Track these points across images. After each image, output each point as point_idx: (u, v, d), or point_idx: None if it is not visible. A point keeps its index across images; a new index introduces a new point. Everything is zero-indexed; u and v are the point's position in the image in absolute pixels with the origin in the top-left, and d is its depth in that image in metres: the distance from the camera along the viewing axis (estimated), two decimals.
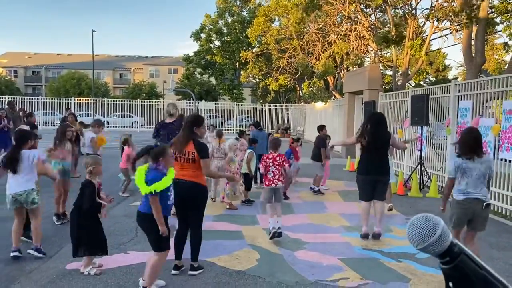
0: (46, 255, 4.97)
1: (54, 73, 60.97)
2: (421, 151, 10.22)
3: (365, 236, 5.96)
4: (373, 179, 5.91)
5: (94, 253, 4.59)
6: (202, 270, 4.65)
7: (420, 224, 1.00)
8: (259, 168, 7.58)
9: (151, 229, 3.93)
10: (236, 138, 9.18)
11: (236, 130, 31.28)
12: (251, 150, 8.52)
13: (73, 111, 19.29)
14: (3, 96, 32.64)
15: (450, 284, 1.01)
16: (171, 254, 4.28)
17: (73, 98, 34.06)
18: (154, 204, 3.84)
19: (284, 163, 6.13)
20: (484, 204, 4.39)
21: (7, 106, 14.83)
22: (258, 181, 9.77)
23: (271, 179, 6.02)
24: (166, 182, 3.88)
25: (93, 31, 36.53)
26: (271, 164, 6.06)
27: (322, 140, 9.66)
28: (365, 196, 6.03)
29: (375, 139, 5.88)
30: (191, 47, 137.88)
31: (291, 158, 9.36)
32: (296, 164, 10.01)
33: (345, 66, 23.41)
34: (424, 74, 40.09)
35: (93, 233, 4.54)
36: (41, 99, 33.27)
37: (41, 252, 4.94)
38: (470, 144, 4.43)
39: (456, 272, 1.00)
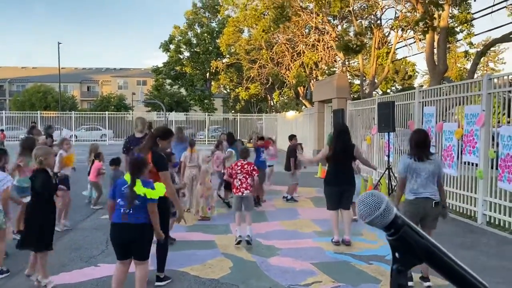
0: (11, 272, 4.81)
1: (18, 87, 59.29)
2: (388, 156, 10.47)
3: (336, 244, 6.06)
4: (339, 189, 6.06)
5: (41, 249, 4.36)
6: (169, 281, 4.59)
7: (367, 200, 1.09)
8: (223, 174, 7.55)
9: (145, 238, 3.87)
10: (212, 152, 9.18)
11: (208, 141, 31.22)
12: (231, 149, 8.48)
13: (37, 125, 18.68)
14: None
15: (396, 254, 1.10)
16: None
17: (39, 111, 33.19)
18: (154, 211, 3.82)
19: (253, 171, 6.13)
20: (434, 202, 4.51)
21: None
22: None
23: (238, 187, 6.04)
24: (162, 189, 3.90)
25: (59, 43, 35.92)
26: (239, 172, 6.07)
27: (292, 151, 9.76)
28: (332, 206, 6.17)
29: (339, 151, 6.03)
30: (160, 59, 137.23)
31: (262, 152, 9.41)
32: (269, 162, 10.10)
33: (314, 76, 23.84)
34: (391, 82, 41.29)
35: (48, 223, 4.38)
36: (5, 113, 32.29)
37: (3, 273, 4.76)
38: (419, 144, 4.57)
39: (401, 242, 1.09)
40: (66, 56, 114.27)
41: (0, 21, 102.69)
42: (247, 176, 6.06)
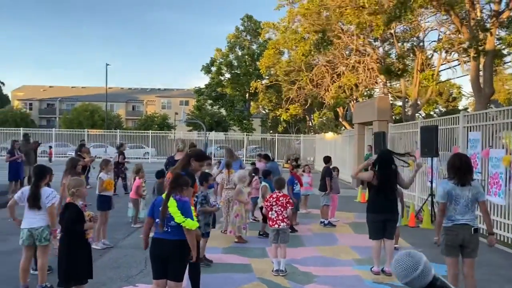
0: None
1: (68, 106, 62.28)
2: (431, 182, 10.13)
3: (376, 274, 5.88)
4: (383, 218, 5.85)
5: (82, 282, 4.44)
6: None
7: (404, 260, 1.06)
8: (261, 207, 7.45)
9: (181, 256, 3.93)
10: (253, 175, 9.20)
11: (246, 160, 31.40)
12: (265, 183, 8.36)
13: (85, 143, 19.47)
14: (18, 128, 33.39)
15: None
16: None
17: (86, 130, 34.66)
18: (191, 233, 3.89)
19: (287, 204, 6.06)
20: (473, 229, 4.38)
21: (22, 139, 15.17)
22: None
23: (275, 219, 5.99)
24: (195, 224, 3.97)
25: (107, 64, 37.69)
26: (274, 204, 6.04)
27: (327, 171, 9.69)
28: (375, 235, 5.94)
29: (385, 179, 5.85)
30: (202, 80, 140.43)
31: (295, 184, 9.36)
32: (304, 191, 10.05)
33: (354, 97, 23.63)
34: (434, 104, 40.17)
35: (83, 258, 4.42)
36: (55, 131, 33.91)
37: None
38: (460, 169, 4.42)
39: None
40: (113, 76, 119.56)
41: (52, 44, 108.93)
42: (283, 209, 6.01)
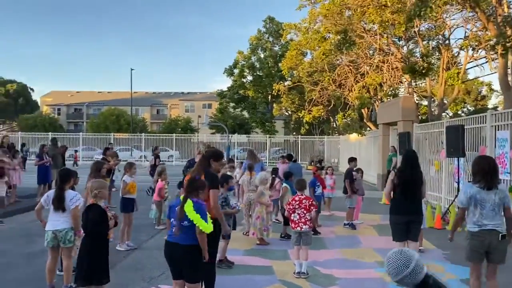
0: None
1: (95, 110, 63.74)
2: (458, 183, 9.88)
3: None
4: (406, 219, 5.71)
5: (103, 282, 4.50)
6: None
7: (396, 258, 1.04)
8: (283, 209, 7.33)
9: (192, 260, 3.95)
10: (273, 176, 9.14)
11: (269, 162, 31.37)
12: (285, 184, 8.30)
13: (112, 146, 19.76)
14: (47, 133, 34.37)
15: None
16: None
17: (112, 133, 35.34)
18: (203, 235, 3.92)
19: (311, 207, 6.02)
20: (500, 235, 4.24)
21: (50, 143, 15.58)
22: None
23: (297, 222, 5.96)
24: (210, 227, 3.98)
25: (131, 69, 38.39)
26: (297, 207, 6.00)
27: (349, 173, 9.56)
28: (398, 237, 5.79)
29: (408, 179, 5.73)
30: (224, 82, 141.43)
31: (317, 186, 9.28)
32: (326, 194, 10.01)
33: (379, 97, 23.28)
34: (462, 104, 39.22)
35: (103, 258, 4.50)
36: (82, 135, 34.72)
37: None
38: (488, 173, 4.28)
39: None
40: (138, 81, 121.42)
41: (79, 50, 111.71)
42: (305, 212, 5.97)
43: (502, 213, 4.39)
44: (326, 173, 10.73)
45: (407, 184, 5.72)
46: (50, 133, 34.04)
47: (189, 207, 3.90)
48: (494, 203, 4.23)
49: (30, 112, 59.89)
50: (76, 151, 30.36)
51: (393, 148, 15.73)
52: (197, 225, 3.87)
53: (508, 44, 11.19)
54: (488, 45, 13.11)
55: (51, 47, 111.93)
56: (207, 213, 4.04)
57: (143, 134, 36.35)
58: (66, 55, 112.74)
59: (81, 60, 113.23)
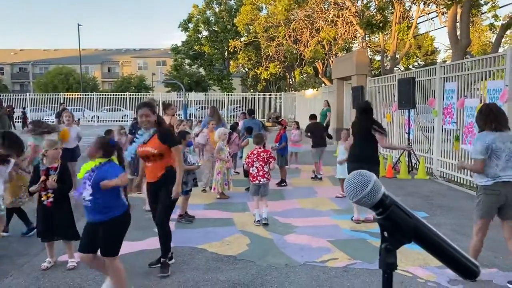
0: (30, 254, 4.95)
1: (41, 69, 60.33)
2: (408, 134, 10.33)
3: (357, 222, 6.05)
4: (356, 166, 5.88)
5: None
6: (173, 261, 4.54)
7: (354, 179, 1.08)
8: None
9: (118, 234, 3.68)
10: (230, 131, 9.20)
11: (227, 120, 31.30)
12: (248, 138, 8.44)
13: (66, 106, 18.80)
14: None
15: (385, 233, 1.10)
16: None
17: (61, 93, 33.79)
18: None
19: (269, 159, 6.12)
20: None
21: None
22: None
23: (255, 175, 6.07)
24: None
25: (79, 25, 36.24)
26: (255, 160, 6.09)
27: (310, 128, 9.89)
28: None
29: (358, 127, 5.96)
30: (178, 39, 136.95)
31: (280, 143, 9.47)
32: (293, 148, 10.59)
33: (334, 53, 23.46)
34: (414, 58, 40.31)
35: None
36: (29, 95, 32.99)
37: None
38: (498, 116, 3.93)
39: (389, 221, 1.10)
40: (86, 38, 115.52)
41: (21, 5, 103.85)
42: (263, 164, 6.08)
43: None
44: (296, 129, 10.99)
45: (361, 133, 5.92)
46: None
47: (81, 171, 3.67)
48: (511, 152, 3.89)
49: None
50: (24, 111, 28.67)
51: (326, 102, 16.77)
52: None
53: None
54: None
55: None
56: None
57: (94, 93, 34.99)
58: (7, 11, 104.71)
59: (23, 15, 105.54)
